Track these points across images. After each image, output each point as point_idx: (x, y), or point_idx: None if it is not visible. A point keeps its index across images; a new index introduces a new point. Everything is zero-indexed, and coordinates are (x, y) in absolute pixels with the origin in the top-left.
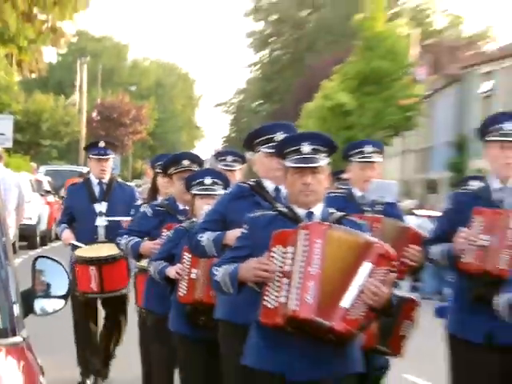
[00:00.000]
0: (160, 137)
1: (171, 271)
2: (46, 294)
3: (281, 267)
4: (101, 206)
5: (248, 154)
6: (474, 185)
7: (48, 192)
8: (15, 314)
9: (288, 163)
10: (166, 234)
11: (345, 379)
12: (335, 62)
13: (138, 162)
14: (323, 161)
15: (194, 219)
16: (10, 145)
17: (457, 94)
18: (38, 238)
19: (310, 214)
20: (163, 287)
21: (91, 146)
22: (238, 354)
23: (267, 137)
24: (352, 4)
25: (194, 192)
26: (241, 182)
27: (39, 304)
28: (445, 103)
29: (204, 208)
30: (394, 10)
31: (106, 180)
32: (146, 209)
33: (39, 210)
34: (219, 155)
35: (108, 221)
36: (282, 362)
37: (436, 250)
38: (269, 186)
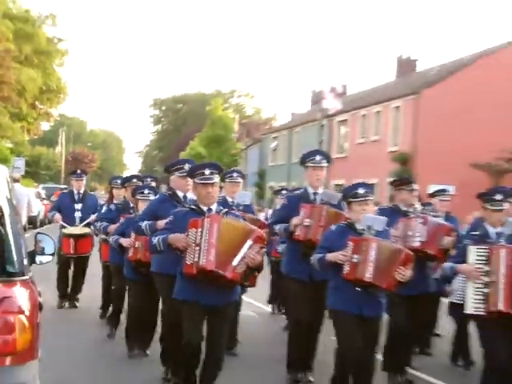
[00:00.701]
0: (104, 169)
1: (124, 242)
2: (42, 253)
3: (194, 240)
4: (78, 206)
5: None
6: (296, 191)
7: (44, 198)
8: (24, 264)
9: (197, 181)
10: (121, 220)
11: (232, 303)
12: (197, 131)
13: (91, 182)
14: (216, 179)
15: (138, 213)
16: (22, 173)
17: (259, 148)
18: (38, 223)
19: (209, 210)
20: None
21: (73, 172)
22: (167, 291)
23: (178, 166)
24: (205, 101)
25: (137, 197)
26: (164, 192)
27: (38, 258)
28: (253, 152)
29: (143, 207)
30: (226, 104)
31: (81, 191)
32: (110, 206)
33: (38, 208)
34: (143, 177)
35: (81, 216)
36: (198, 294)
37: (278, 227)
38: (180, 194)
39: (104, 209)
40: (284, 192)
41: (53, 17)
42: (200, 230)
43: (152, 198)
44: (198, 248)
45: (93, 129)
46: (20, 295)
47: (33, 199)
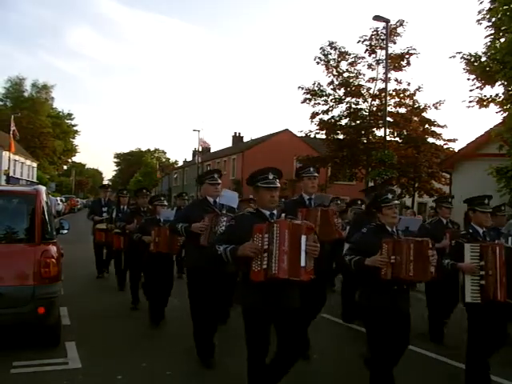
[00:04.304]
0: (93, 186)
1: (145, 238)
2: (62, 228)
3: (260, 246)
4: (104, 209)
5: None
6: None
7: (63, 202)
8: (54, 234)
9: (260, 185)
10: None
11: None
12: (138, 169)
13: (87, 194)
14: (278, 184)
15: (157, 216)
16: (54, 190)
17: (168, 177)
18: (61, 213)
19: (272, 215)
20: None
21: (101, 187)
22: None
23: (209, 175)
24: (142, 154)
25: (155, 204)
26: (196, 198)
27: (61, 231)
28: (165, 180)
29: (161, 211)
30: (152, 156)
31: (106, 199)
32: (127, 210)
33: (61, 206)
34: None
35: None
36: (265, 301)
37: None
38: (210, 199)
39: (114, 212)
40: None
41: (69, 115)
42: (267, 235)
43: (166, 204)
44: (266, 254)
45: (88, 167)
46: (52, 249)
47: (58, 202)
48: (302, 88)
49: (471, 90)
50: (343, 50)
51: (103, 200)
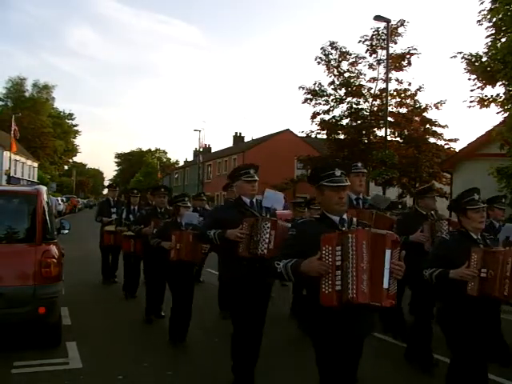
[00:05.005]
0: (94, 186)
1: (165, 244)
2: (63, 229)
3: (331, 262)
4: (113, 210)
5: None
6: None
7: (64, 202)
8: (55, 234)
9: (325, 183)
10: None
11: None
12: (138, 169)
13: (88, 194)
14: (348, 182)
15: (178, 219)
16: (54, 190)
17: (169, 177)
18: (61, 213)
19: (342, 220)
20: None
21: (108, 186)
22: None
23: (244, 171)
24: (142, 154)
25: (178, 204)
26: (227, 199)
27: (61, 231)
28: (166, 180)
29: (185, 212)
30: (153, 156)
31: (114, 199)
32: (142, 211)
33: (62, 206)
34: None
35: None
36: (343, 329)
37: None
38: (246, 200)
39: (124, 213)
40: None
41: (70, 115)
42: (339, 248)
43: (189, 205)
44: (339, 272)
45: (89, 167)
46: (53, 249)
47: (59, 202)
48: (303, 88)
49: (472, 90)
50: (344, 50)
51: (112, 200)
